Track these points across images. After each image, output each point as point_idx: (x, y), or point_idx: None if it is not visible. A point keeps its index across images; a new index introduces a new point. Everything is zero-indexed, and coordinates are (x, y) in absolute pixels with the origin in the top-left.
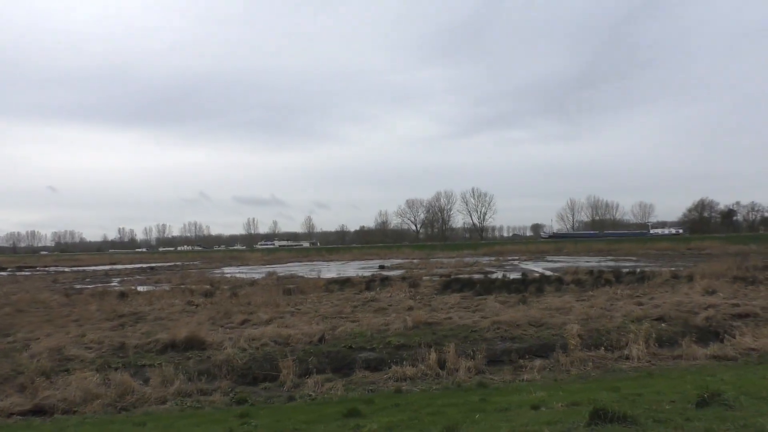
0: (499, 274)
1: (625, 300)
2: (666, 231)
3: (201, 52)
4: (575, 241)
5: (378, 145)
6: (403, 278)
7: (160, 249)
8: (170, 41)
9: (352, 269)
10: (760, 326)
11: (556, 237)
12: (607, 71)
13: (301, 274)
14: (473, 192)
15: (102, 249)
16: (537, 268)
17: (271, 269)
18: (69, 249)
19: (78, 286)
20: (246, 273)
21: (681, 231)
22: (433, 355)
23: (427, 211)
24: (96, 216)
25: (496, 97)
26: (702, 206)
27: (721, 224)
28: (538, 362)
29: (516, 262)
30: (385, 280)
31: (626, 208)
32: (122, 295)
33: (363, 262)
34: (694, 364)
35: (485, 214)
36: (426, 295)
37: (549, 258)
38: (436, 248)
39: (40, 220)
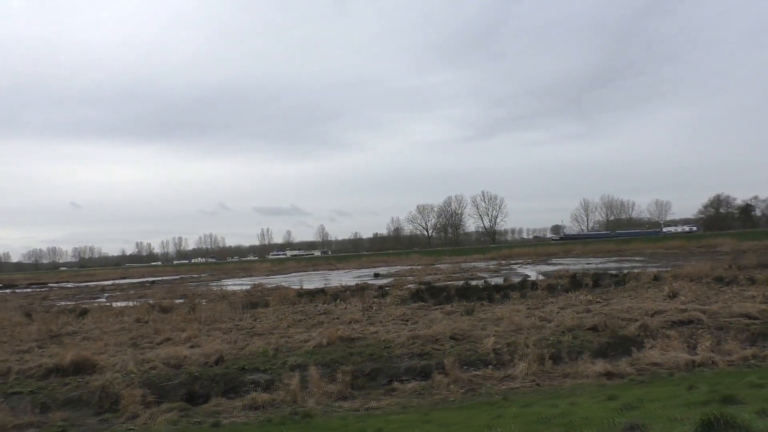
0: (482, 281)
1: (577, 307)
2: (679, 229)
3: (217, 65)
4: (585, 242)
5: (395, 150)
6: (379, 288)
7: (175, 262)
8: (187, 56)
9: (345, 278)
10: (694, 335)
11: (566, 238)
12: (622, 68)
13: (285, 285)
14: (484, 195)
15: (120, 263)
16: (533, 272)
17: (263, 281)
18: (89, 264)
19: (61, 303)
20: (238, 285)
21: (695, 228)
22: (296, 379)
23: (438, 216)
24: (119, 230)
25: (511, 98)
26: (718, 202)
27: (739, 220)
28: (411, 384)
29: (517, 266)
30: (357, 291)
31: (643, 206)
32: (83, 312)
33: (366, 270)
34: (579, 383)
35: (496, 217)
36: (387, 306)
37: (553, 261)
38: (445, 253)
39: (64, 236)
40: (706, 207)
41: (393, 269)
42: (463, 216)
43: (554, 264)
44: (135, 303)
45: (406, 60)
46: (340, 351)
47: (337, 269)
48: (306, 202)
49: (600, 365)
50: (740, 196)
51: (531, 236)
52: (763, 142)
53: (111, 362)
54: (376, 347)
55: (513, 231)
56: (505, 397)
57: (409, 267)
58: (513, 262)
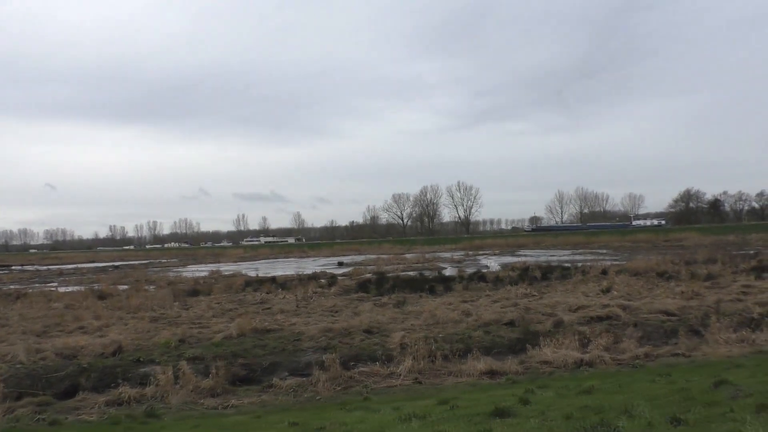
0: (437, 272)
1: (509, 300)
2: (648, 222)
3: (199, 48)
4: (556, 235)
5: (377, 139)
6: (331, 277)
7: (148, 246)
8: (168, 38)
9: (311, 266)
10: (608, 331)
11: (538, 230)
12: (605, 61)
13: (244, 272)
14: (459, 185)
15: (92, 247)
16: (494, 263)
17: (226, 267)
18: (61, 247)
19: (10, 287)
20: (198, 272)
21: (663, 222)
22: (169, 374)
23: (414, 206)
24: (96, 213)
25: (493, 88)
26: (688, 196)
27: (707, 214)
28: (290, 381)
29: (482, 258)
30: (307, 280)
31: (617, 199)
32: (18, 297)
33: (336, 258)
34: (460, 382)
35: (471, 207)
36: (329, 295)
37: (520, 252)
38: (418, 243)
39: (41, 218)
40: (676, 201)
41: (361, 258)
42: (438, 206)
43: (519, 255)
44: (81, 288)
45: (390, 48)
46: (248, 343)
47: (309, 257)
48: (287, 188)
49: (483, 363)
50: (711, 191)
51: (510, 227)
52: (738, 138)
53: (4, 351)
54: (286, 340)
55: (492, 222)
56: (366, 397)
57: (376, 256)
58: (481, 253)
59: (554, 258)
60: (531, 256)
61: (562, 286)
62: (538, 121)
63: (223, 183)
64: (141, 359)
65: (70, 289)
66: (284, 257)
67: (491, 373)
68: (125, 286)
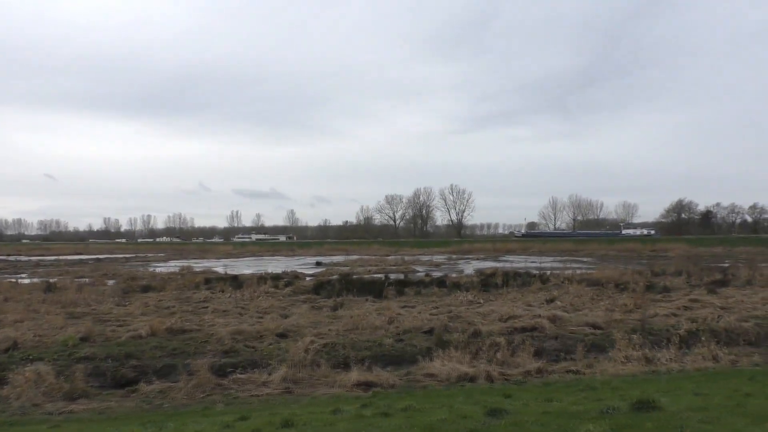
0: (403, 276)
1: (448, 307)
2: (638, 232)
3: (203, 44)
4: (545, 241)
5: (378, 140)
6: (295, 277)
7: (139, 240)
8: (173, 33)
9: (291, 264)
10: (524, 342)
11: (528, 236)
12: (609, 70)
13: (216, 270)
14: (452, 189)
15: (86, 239)
16: (470, 268)
17: (206, 264)
18: (55, 238)
19: None
20: (172, 267)
21: (653, 232)
22: (29, 374)
23: (407, 208)
24: (95, 205)
25: (497, 94)
26: (680, 207)
27: (698, 226)
28: (155, 385)
29: (462, 262)
30: (271, 279)
31: (610, 207)
32: None
33: (321, 257)
34: (328, 393)
35: (463, 211)
36: (284, 296)
37: (504, 258)
38: (407, 245)
39: (39, 208)
40: (668, 211)
41: (346, 258)
42: (431, 209)
43: (501, 261)
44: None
45: (394, 50)
46: (151, 343)
47: (296, 255)
48: (286, 186)
49: (358, 374)
50: (705, 202)
51: (508, 231)
52: (735, 151)
53: None
54: (194, 342)
55: (489, 226)
56: (207, 407)
57: (359, 257)
58: (467, 257)
59: (534, 265)
60: (511, 262)
61: (512, 295)
62: (539, 128)
63: (223, 179)
64: (31, 357)
65: (29, 281)
66: (270, 255)
67: (367, 385)
68: (88, 280)
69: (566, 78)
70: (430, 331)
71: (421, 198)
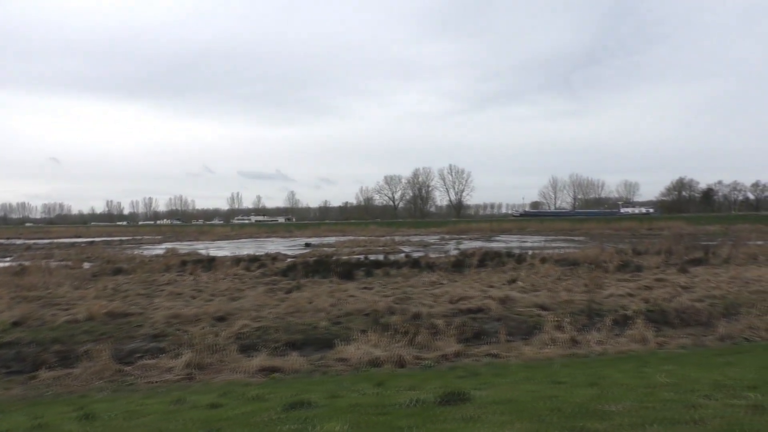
0: (383, 257)
1: (407, 289)
2: (636, 210)
3: (205, 24)
4: (542, 220)
5: (382, 119)
6: (273, 259)
7: (140, 222)
8: (175, 13)
9: (283, 245)
10: (465, 325)
11: (526, 215)
12: (614, 47)
13: (201, 252)
14: (451, 169)
15: (88, 222)
16: (455, 248)
17: (193, 246)
18: (59, 221)
19: None
20: (159, 250)
21: (651, 210)
22: None
23: (406, 188)
24: (100, 188)
25: (500, 72)
26: (681, 185)
27: (700, 204)
28: (53, 372)
29: (453, 242)
30: (247, 261)
31: (612, 186)
32: None
33: (316, 239)
34: (228, 379)
35: (462, 191)
36: (255, 278)
37: (497, 238)
38: (404, 225)
39: (45, 191)
40: (669, 190)
41: (340, 239)
42: (431, 189)
43: (492, 241)
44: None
45: (397, 29)
46: (84, 328)
47: (292, 236)
48: (291, 167)
49: (262, 360)
50: (708, 180)
51: (511, 211)
52: (740, 128)
53: None
54: (129, 326)
55: (492, 206)
56: (83, 396)
57: (353, 237)
58: (460, 237)
59: (526, 245)
60: (501, 242)
61: (481, 275)
62: (544, 107)
63: (227, 161)
64: None
65: (6, 264)
66: (266, 236)
67: (271, 370)
68: (65, 263)
69: (572, 55)
70: (370, 313)
71: (420, 178)
